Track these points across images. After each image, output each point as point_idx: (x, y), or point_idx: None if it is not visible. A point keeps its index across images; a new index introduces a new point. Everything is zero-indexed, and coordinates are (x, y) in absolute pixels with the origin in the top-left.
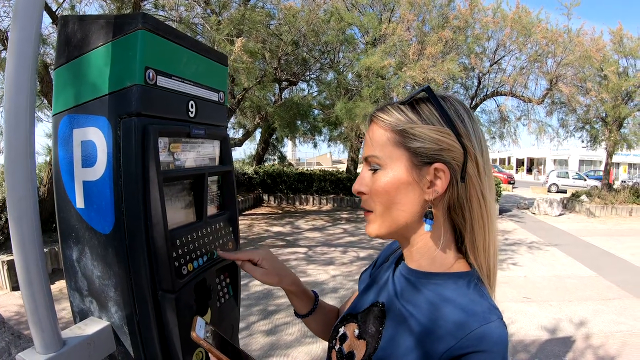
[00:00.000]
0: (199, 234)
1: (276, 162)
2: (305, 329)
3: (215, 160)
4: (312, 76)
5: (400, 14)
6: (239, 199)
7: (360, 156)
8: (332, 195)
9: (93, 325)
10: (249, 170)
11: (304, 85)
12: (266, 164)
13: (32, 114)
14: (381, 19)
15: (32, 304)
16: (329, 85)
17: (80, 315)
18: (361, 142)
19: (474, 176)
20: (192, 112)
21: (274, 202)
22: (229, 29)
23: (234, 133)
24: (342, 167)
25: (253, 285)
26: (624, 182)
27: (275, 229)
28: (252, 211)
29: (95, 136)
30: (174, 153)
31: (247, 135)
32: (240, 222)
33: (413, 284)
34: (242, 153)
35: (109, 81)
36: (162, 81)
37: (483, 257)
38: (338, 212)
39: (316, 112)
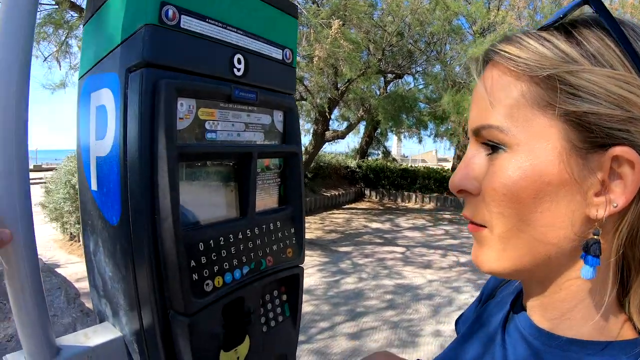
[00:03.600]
0: (240, 236)
1: (380, 157)
2: (392, 337)
3: (273, 137)
4: (418, 69)
5: (510, 1)
6: (340, 192)
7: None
8: (435, 194)
9: (101, 335)
10: (352, 163)
11: (409, 79)
12: (370, 159)
13: (25, 72)
14: (489, 7)
15: (19, 301)
16: (436, 78)
17: (99, 316)
18: (469, 138)
19: None
20: (238, 69)
21: (375, 198)
22: (326, 14)
23: (338, 125)
24: (448, 166)
25: (344, 283)
26: None
27: (374, 225)
28: (353, 205)
29: (107, 99)
30: (206, 122)
31: (351, 127)
32: (339, 215)
33: (541, 356)
34: (345, 146)
35: (122, 27)
36: (190, 23)
37: None
38: (440, 212)
39: (422, 105)
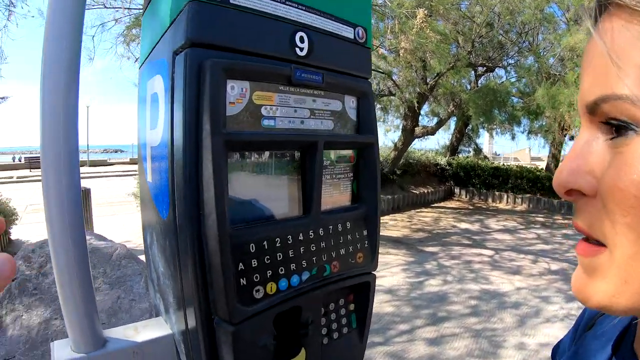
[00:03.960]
0: (301, 238)
1: (471, 154)
2: (473, 346)
3: (345, 126)
4: (510, 61)
5: None
6: (429, 190)
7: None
8: (528, 195)
9: (151, 330)
10: (442, 161)
11: (501, 72)
12: (460, 156)
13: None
14: None
15: (66, 292)
16: (529, 70)
17: (155, 310)
18: (565, 136)
19: None
20: (301, 49)
21: (465, 197)
22: (410, 4)
23: (428, 121)
24: (541, 165)
25: (428, 285)
26: None
27: (463, 225)
28: (442, 204)
29: (159, 86)
30: (262, 107)
31: (441, 123)
32: (427, 214)
33: None
34: (435, 143)
35: (170, 8)
36: None
37: None
38: (533, 215)
39: (515, 100)
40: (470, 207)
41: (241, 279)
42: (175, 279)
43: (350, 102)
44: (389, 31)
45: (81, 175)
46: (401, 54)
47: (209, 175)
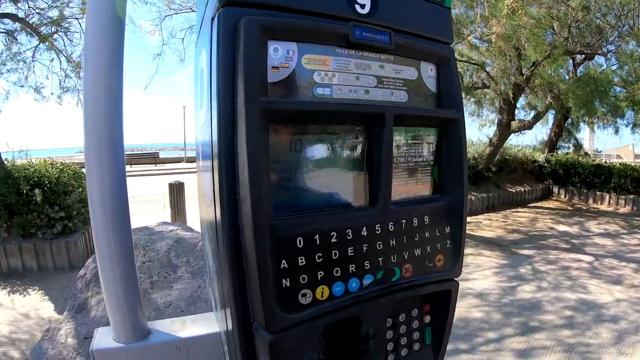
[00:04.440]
0: (364, 233)
1: (570, 150)
2: None
3: (422, 98)
4: (610, 48)
5: None
6: (526, 189)
7: None
8: (632, 196)
9: (199, 326)
10: (540, 157)
11: (601, 60)
12: (559, 152)
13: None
14: None
15: (109, 282)
16: (631, 56)
17: (210, 304)
18: None
19: None
20: (362, 5)
21: (564, 197)
22: None
23: (525, 115)
24: None
25: (521, 290)
26: None
27: (561, 227)
28: (539, 204)
29: (204, 60)
30: (315, 73)
31: (538, 117)
32: (523, 214)
33: None
34: (532, 138)
35: None
36: None
37: None
38: (637, 218)
39: (617, 89)
40: (570, 208)
41: (284, 280)
42: (219, 274)
43: (428, 70)
44: (478, 18)
45: (178, 170)
46: (493, 40)
47: (243, 151)
